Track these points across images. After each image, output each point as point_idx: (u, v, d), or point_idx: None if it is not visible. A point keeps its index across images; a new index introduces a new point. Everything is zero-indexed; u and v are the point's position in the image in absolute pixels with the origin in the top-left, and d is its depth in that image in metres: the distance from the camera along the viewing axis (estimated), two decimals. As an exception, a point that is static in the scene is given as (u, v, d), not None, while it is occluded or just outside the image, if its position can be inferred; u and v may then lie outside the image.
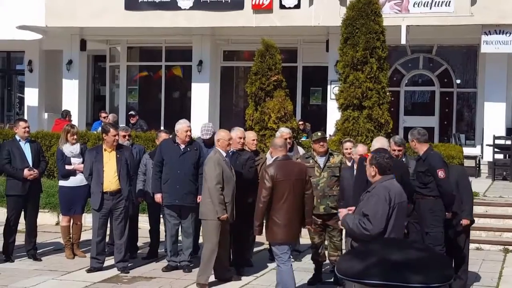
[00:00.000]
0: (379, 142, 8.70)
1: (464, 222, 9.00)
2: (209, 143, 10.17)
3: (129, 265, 9.90)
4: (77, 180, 10.37)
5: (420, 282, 4.89)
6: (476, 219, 12.32)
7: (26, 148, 10.35)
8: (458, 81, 19.86)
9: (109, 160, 9.71)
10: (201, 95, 20.13)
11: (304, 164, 8.73)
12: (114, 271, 9.73)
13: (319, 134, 9.38)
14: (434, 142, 17.54)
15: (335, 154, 9.43)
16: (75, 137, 10.43)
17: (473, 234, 11.85)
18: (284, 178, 8.04)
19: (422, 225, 8.63)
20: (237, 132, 9.70)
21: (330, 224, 9.31)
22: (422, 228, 8.63)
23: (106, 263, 9.91)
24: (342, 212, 6.91)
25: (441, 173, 8.49)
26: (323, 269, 9.46)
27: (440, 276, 5.00)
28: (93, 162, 9.69)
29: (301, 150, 10.61)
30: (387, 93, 13.57)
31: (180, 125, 9.84)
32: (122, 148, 9.90)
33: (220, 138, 8.96)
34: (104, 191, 9.66)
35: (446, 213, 8.69)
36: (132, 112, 18.80)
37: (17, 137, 10.43)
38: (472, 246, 11.57)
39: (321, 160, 9.25)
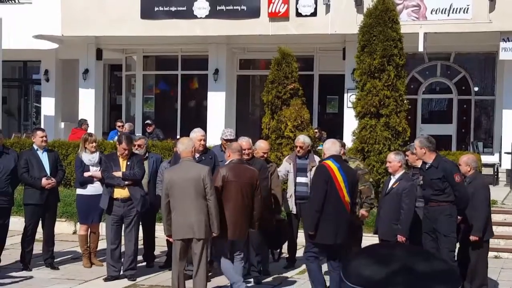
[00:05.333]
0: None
1: (472, 238, 8.96)
2: None
3: (136, 272, 9.88)
4: (95, 189, 10.35)
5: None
6: (494, 227, 12.22)
7: (44, 157, 10.36)
8: (476, 89, 19.71)
9: (122, 168, 9.75)
10: (217, 104, 20.09)
11: (256, 170, 8.85)
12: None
13: None
14: (452, 150, 17.43)
15: (351, 160, 9.38)
16: (93, 144, 10.44)
17: (492, 242, 11.73)
18: (234, 179, 8.41)
19: (439, 229, 8.57)
20: (242, 142, 9.64)
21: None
22: (439, 232, 8.57)
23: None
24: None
25: (457, 177, 8.55)
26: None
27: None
28: (111, 166, 9.72)
29: (317, 159, 10.54)
30: (405, 101, 13.48)
31: (194, 134, 9.84)
32: (133, 156, 9.89)
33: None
34: (115, 197, 9.69)
35: (458, 217, 8.72)
36: (148, 121, 18.79)
37: (35, 146, 10.45)
38: (490, 254, 11.48)
39: None
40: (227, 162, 8.78)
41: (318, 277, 8.47)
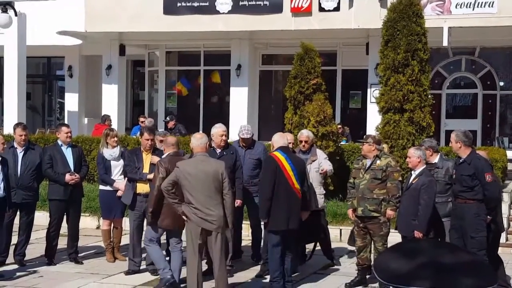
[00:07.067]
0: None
1: None
2: (248, 143, 10.26)
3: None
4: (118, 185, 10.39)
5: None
6: (518, 224, 12.16)
7: (68, 153, 10.43)
8: (501, 83, 19.51)
9: (145, 163, 9.79)
10: (240, 99, 20.05)
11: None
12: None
13: (364, 137, 9.51)
14: (477, 145, 17.26)
15: (383, 157, 9.27)
16: (115, 139, 10.46)
17: (516, 240, 11.71)
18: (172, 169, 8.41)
19: (466, 229, 8.47)
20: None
21: (370, 229, 9.21)
22: (466, 232, 8.48)
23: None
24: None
25: (488, 177, 8.47)
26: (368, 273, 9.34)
27: (485, 282, 4.89)
28: (134, 161, 9.77)
29: (319, 152, 10.44)
30: (429, 96, 13.35)
31: (216, 129, 9.87)
32: (156, 152, 9.89)
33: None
34: (138, 192, 9.75)
35: (488, 217, 8.61)
36: (167, 118, 18.60)
37: (59, 142, 10.51)
38: (514, 251, 11.49)
39: (368, 163, 9.20)
40: (164, 156, 9.03)
41: (276, 264, 8.77)
